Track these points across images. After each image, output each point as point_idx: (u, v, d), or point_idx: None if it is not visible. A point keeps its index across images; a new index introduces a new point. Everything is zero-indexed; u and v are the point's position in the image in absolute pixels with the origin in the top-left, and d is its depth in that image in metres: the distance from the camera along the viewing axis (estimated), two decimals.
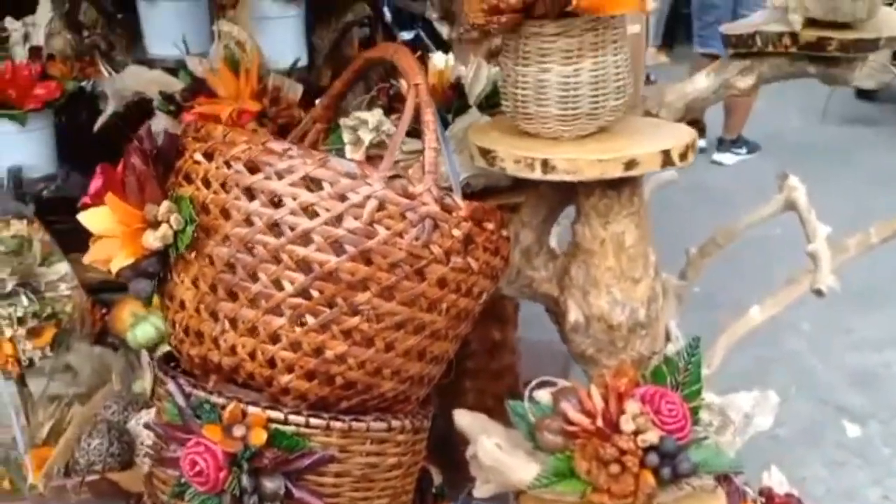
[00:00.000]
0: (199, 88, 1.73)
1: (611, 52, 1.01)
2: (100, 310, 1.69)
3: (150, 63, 1.98)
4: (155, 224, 0.87)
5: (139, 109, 2.00)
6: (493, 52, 1.34)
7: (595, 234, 1.09)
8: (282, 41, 1.92)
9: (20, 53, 1.89)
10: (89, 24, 2.17)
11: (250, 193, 0.87)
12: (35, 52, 1.90)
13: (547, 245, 1.16)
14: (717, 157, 3.98)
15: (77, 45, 2.04)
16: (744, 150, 4.08)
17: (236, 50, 1.73)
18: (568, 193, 1.13)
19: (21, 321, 1.36)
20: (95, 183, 0.88)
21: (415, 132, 1.17)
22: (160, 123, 1.85)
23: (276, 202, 0.86)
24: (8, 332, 1.35)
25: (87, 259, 0.89)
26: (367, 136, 1.12)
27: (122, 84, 1.95)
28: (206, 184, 0.89)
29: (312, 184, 0.87)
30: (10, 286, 1.35)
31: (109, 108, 1.97)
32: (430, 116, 0.91)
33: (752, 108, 3.90)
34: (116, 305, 1.72)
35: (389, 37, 1.38)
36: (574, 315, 1.13)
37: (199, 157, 0.89)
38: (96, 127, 1.98)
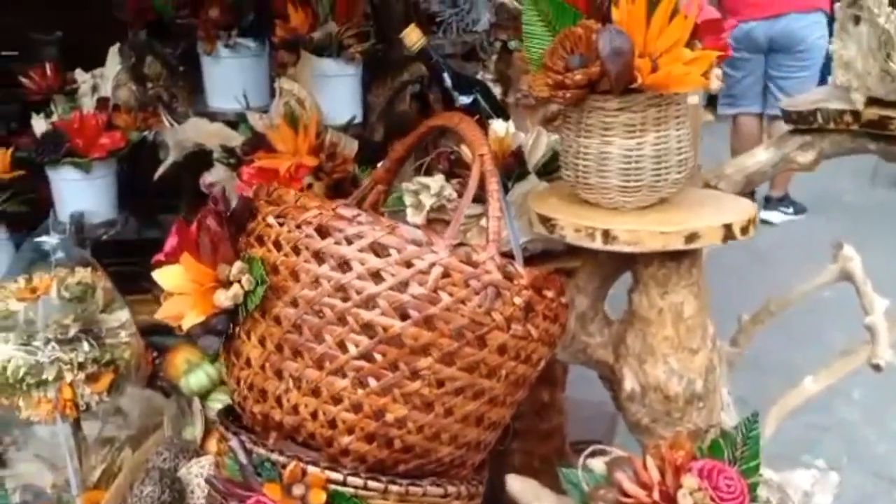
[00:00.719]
0: (258, 142, 1.78)
1: (673, 127, 1.03)
2: (151, 352, 1.72)
3: (211, 116, 2.06)
4: (226, 283, 0.90)
5: (197, 159, 2.07)
6: (549, 118, 1.37)
7: (653, 303, 1.10)
8: (339, 98, 1.98)
9: (88, 104, 1.97)
10: (153, 77, 2.26)
11: (320, 257, 0.89)
12: (102, 103, 1.98)
13: (602, 311, 1.17)
14: (765, 215, 3.95)
15: (141, 97, 2.12)
16: (791, 210, 4.06)
17: (296, 106, 1.78)
18: (625, 261, 1.13)
19: (81, 366, 1.39)
20: (171, 241, 0.91)
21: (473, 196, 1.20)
22: (218, 174, 1.91)
23: (345, 266, 0.89)
24: (69, 377, 1.38)
25: (159, 315, 0.92)
26: (428, 201, 1.14)
27: (183, 135, 2.02)
28: (278, 246, 0.92)
29: (380, 249, 0.89)
30: (73, 332, 1.38)
31: (170, 158, 2.04)
32: (494, 186, 0.94)
33: None
34: (170, 351, 1.75)
35: (448, 100, 1.41)
36: (630, 384, 1.13)
37: (271, 220, 0.93)
38: (157, 175, 2.05)
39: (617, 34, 0.94)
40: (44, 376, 1.37)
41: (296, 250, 0.90)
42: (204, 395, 1.56)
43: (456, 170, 1.21)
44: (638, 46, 0.96)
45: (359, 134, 2.01)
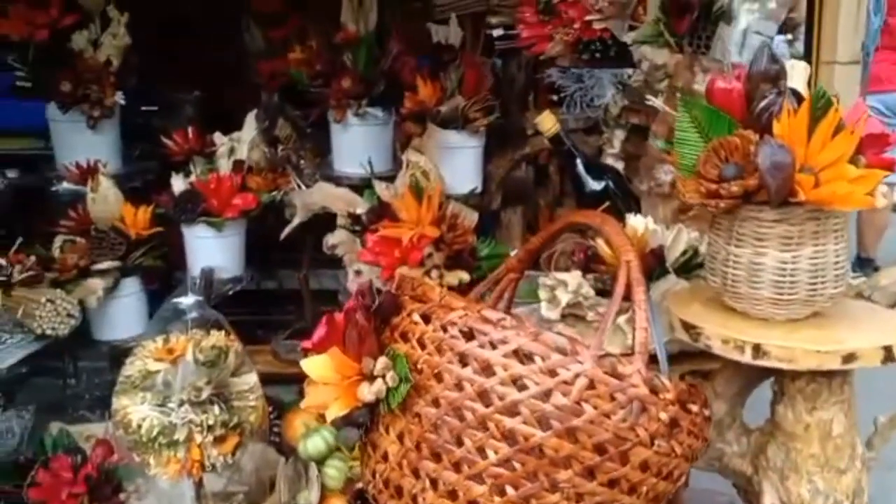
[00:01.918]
0: (382, 210, 1.83)
1: (832, 241, 0.99)
2: (268, 406, 1.76)
3: (337, 180, 2.13)
4: (370, 377, 0.91)
5: (318, 218, 2.14)
6: (683, 209, 1.35)
7: (799, 418, 1.05)
8: (461, 169, 2.01)
9: (224, 166, 2.07)
10: (283, 139, 2.36)
11: (463, 359, 0.90)
12: (238, 165, 2.07)
13: (740, 418, 1.13)
14: None
15: (271, 157, 2.21)
16: None
17: (421, 178, 1.82)
18: (770, 369, 1.09)
19: (211, 429, 1.43)
20: (319, 332, 0.94)
21: (605, 292, 1.18)
22: (340, 237, 1.96)
23: (488, 371, 0.89)
24: (198, 439, 1.43)
25: (304, 405, 0.94)
26: (564, 298, 1.14)
27: (310, 198, 2.09)
28: (422, 345, 0.93)
29: (524, 356, 0.89)
30: (205, 395, 1.43)
31: (297, 219, 2.11)
32: (641, 296, 0.92)
33: None
34: (289, 412, 1.79)
35: (579, 185, 1.41)
36: (770, 499, 1.08)
37: (416, 317, 0.94)
38: (283, 235, 2.12)
39: (778, 148, 0.92)
40: (175, 437, 1.42)
41: (440, 350, 0.91)
42: (321, 461, 1.59)
43: (592, 265, 1.19)
44: (798, 159, 0.93)
45: (477, 203, 2.04)
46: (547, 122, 1.35)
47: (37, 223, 2.04)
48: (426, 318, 0.94)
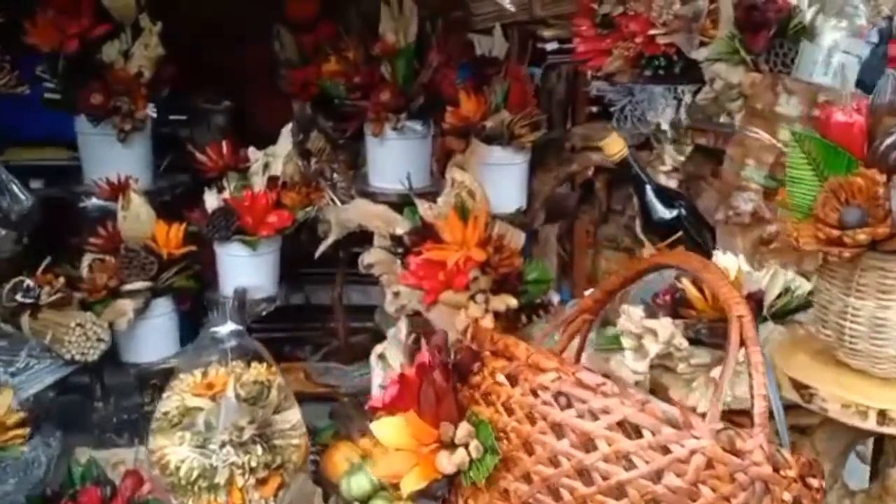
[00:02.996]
0: (425, 231, 1.74)
1: None
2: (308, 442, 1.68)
3: (372, 196, 2.04)
4: (450, 446, 0.83)
5: (350, 234, 2.06)
6: (765, 241, 1.26)
7: None
8: (506, 186, 1.93)
9: (259, 182, 1.98)
10: (316, 151, 2.28)
11: (559, 430, 0.80)
12: (273, 181, 1.99)
13: (842, 479, 1.03)
14: None
15: (304, 171, 2.12)
16: None
17: (467, 198, 1.74)
18: None
19: (253, 471, 1.36)
20: (391, 390, 0.85)
21: (697, 341, 1.09)
22: (377, 256, 1.88)
23: (588, 445, 0.79)
24: (240, 482, 1.35)
25: (376, 474, 0.86)
26: (653, 349, 1.04)
27: (346, 215, 2.00)
28: (509, 410, 0.83)
29: (631, 429, 0.79)
30: (247, 435, 1.35)
31: (332, 237, 2.03)
32: (758, 357, 0.82)
33: None
34: (329, 448, 1.71)
35: (647, 213, 1.32)
36: None
37: (501, 378, 0.85)
38: (318, 254, 2.04)
39: None
40: (216, 480, 1.34)
41: (530, 418, 0.82)
42: (364, 501, 1.51)
43: (680, 310, 1.10)
44: None
45: (520, 222, 1.95)
46: (614, 146, 1.26)
47: (64, 240, 1.96)
48: (512, 379, 0.85)
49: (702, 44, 1.37)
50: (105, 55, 1.92)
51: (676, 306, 1.09)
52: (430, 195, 1.91)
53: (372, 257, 1.90)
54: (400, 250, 1.73)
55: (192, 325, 2.05)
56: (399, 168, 2.02)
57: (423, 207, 1.75)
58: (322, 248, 2.04)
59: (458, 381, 0.88)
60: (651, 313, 1.09)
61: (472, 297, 1.66)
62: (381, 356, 1.83)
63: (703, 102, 1.38)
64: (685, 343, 1.04)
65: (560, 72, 2.13)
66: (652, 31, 1.39)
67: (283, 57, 2.43)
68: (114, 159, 1.95)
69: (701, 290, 1.08)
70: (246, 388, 1.39)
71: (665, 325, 1.05)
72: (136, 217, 1.84)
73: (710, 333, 1.05)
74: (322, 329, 2.72)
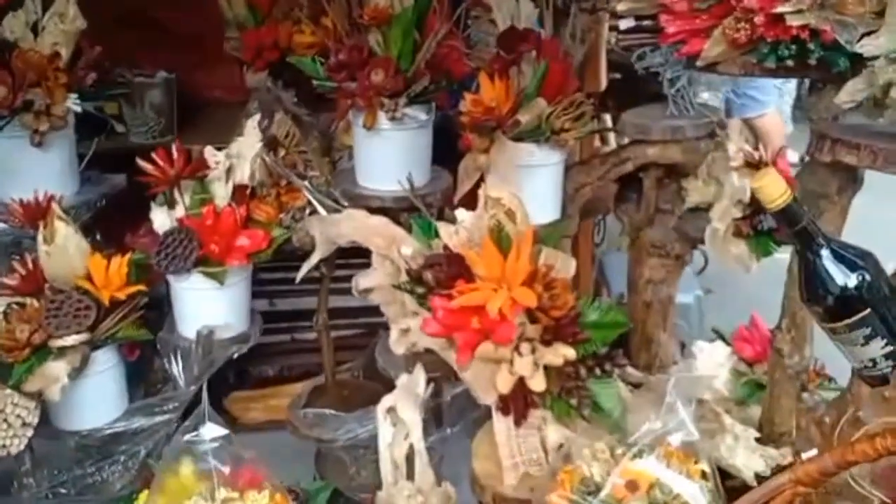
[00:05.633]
0: (451, 264, 1.35)
1: None
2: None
3: (363, 199, 1.65)
4: None
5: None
6: None
7: None
8: (540, 195, 1.55)
9: (221, 193, 1.55)
10: (282, 139, 1.83)
11: None
12: (240, 192, 1.56)
13: None
14: None
15: (273, 167, 1.69)
16: None
17: (505, 220, 1.35)
18: None
19: None
20: None
21: None
22: (376, 279, 1.49)
23: None
24: None
25: None
26: None
27: (336, 230, 1.59)
28: None
29: None
30: None
31: (316, 256, 1.62)
32: None
33: None
34: None
35: (817, 275, 0.95)
36: None
37: None
38: (299, 277, 1.63)
39: None
40: None
41: None
42: None
43: None
44: None
45: (561, 238, 1.58)
46: (774, 189, 0.88)
47: None
48: None
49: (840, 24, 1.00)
50: (7, 30, 1.43)
51: None
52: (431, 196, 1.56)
53: (370, 281, 1.51)
54: (420, 290, 1.33)
55: (142, 376, 1.63)
56: (396, 165, 1.63)
57: (446, 232, 1.36)
58: (304, 270, 1.63)
59: None
60: None
61: (516, 349, 1.30)
62: (391, 410, 1.47)
63: (848, 103, 1.02)
64: None
65: (574, 28, 1.70)
66: (780, 9, 1.01)
67: (231, 16, 1.95)
68: (26, 170, 1.49)
69: None
70: None
71: None
72: (64, 251, 1.39)
73: None
74: (292, 341, 2.32)
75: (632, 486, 1.01)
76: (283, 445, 1.72)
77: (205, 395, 1.08)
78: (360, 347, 2.06)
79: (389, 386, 1.67)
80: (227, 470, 1.06)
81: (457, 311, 1.28)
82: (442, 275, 1.33)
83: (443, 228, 1.37)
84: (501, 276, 1.29)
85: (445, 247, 1.36)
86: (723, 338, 1.43)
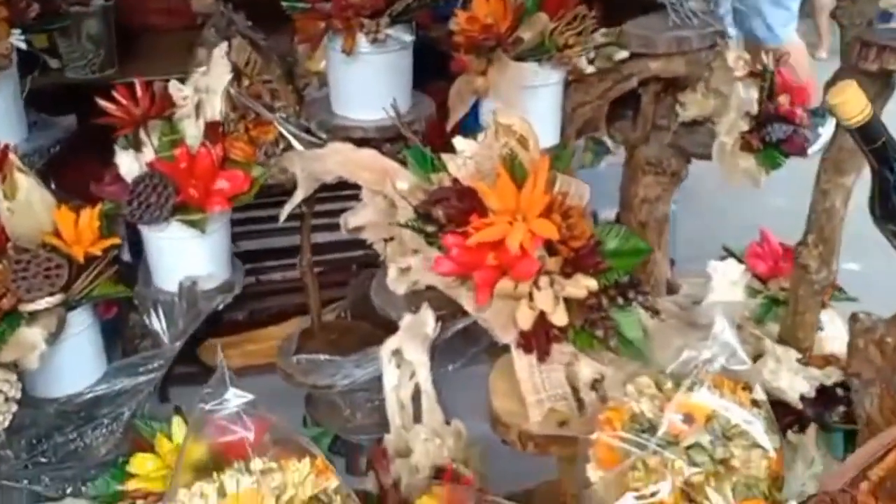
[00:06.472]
0: (462, 198, 1.27)
1: None
2: None
3: (343, 130, 1.54)
4: None
5: None
6: None
7: None
8: (541, 115, 1.46)
9: (192, 130, 1.41)
10: (243, 67, 1.68)
11: None
12: (213, 129, 1.42)
13: None
14: None
15: (237, 100, 1.55)
16: None
17: (518, 148, 1.27)
18: None
19: None
20: None
21: None
22: (366, 216, 1.41)
23: None
24: None
25: None
26: None
27: (320, 166, 1.48)
28: None
29: None
30: None
31: (299, 194, 1.51)
32: None
33: None
34: None
35: (888, 200, 0.90)
36: None
37: None
38: (282, 217, 1.52)
39: None
40: None
41: None
42: None
43: None
44: None
45: (564, 161, 1.50)
46: (855, 104, 0.82)
47: None
48: None
49: None
50: None
51: None
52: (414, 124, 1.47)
53: (361, 219, 1.42)
54: (431, 228, 1.25)
55: (122, 333, 1.51)
56: (378, 92, 1.51)
57: (453, 164, 1.27)
58: (287, 208, 1.52)
59: None
60: None
61: (536, 283, 1.23)
62: (396, 352, 1.40)
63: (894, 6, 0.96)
64: None
65: None
66: None
67: None
68: None
69: None
70: None
71: None
72: (27, 206, 1.24)
73: None
74: (257, 283, 2.20)
75: (689, 419, 0.98)
76: (268, 391, 1.64)
77: (221, 360, 0.99)
78: (336, 285, 1.98)
79: (380, 325, 1.60)
80: (251, 436, 0.97)
81: (473, 248, 1.21)
82: (453, 210, 1.25)
83: (450, 161, 1.27)
84: (517, 207, 1.21)
85: (455, 180, 1.27)
86: (734, 255, 1.40)
